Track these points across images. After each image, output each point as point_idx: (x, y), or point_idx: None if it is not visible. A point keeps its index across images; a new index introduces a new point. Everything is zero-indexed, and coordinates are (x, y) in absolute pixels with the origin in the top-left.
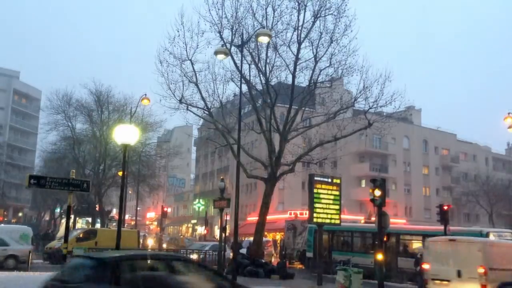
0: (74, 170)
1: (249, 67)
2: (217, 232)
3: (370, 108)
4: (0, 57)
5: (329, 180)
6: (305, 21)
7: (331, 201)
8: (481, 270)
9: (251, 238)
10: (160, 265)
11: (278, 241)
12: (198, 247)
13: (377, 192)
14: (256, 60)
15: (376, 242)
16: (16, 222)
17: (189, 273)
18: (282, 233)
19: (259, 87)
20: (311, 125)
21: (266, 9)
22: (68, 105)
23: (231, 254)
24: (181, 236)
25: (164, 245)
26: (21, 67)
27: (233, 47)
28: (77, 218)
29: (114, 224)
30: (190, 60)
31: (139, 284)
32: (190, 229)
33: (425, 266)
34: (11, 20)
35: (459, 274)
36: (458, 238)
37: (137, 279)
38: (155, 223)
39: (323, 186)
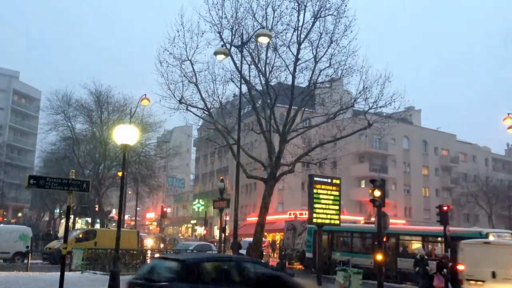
0: (73, 171)
1: (249, 68)
2: (216, 232)
3: (370, 108)
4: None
5: (329, 180)
6: (305, 21)
7: (330, 202)
8: None
9: (250, 239)
10: (231, 265)
11: (278, 242)
12: (182, 247)
13: (377, 193)
14: (256, 61)
15: (376, 243)
16: (16, 222)
17: (256, 272)
18: (282, 234)
19: (259, 87)
20: (310, 126)
21: (266, 9)
22: (68, 105)
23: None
24: (181, 237)
25: (161, 245)
26: (21, 67)
27: (233, 48)
28: (77, 219)
29: (114, 224)
30: (190, 60)
31: (216, 281)
32: (190, 230)
33: (460, 267)
34: (11, 20)
35: (493, 275)
36: (492, 241)
37: (214, 277)
38: (155, 223)
39: (323, 187)
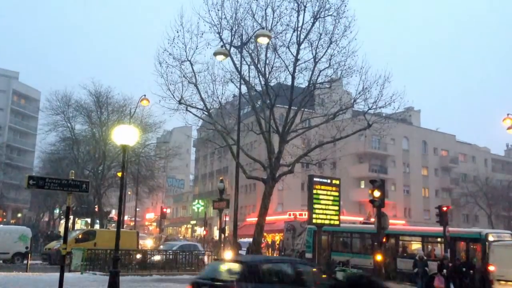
0: (73, 171)
1: (249, 68)
2: (216, 233)
3: (370, 109)
4: None
5: (329, 181)
6: (304, 22)
7: (330, 202)
8: None
9: (248, 239)
10: (286, 267)
11: (277, 242)
12: (167, 247)
13: (376, 193)
14: (256, 61)
15: (375, 243)
16: (15, 223)
17: (308, 273)
18: (281, 234)
19: (259, 88)
20: (310, 126)
21: (265, 10)
22: (68, 106)
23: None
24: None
25: (161, 246)
26: (20, 68)
27: (232, 48)
28: (76, 219)
29: (113, 225)
30: (190, 61)
31: (274, 281)
32: (190, 230)
33: (491, 268)
34: (10, 21)
35: None
36: None
37: (272, 278)
38: (154, 224)
39: (323, 187)
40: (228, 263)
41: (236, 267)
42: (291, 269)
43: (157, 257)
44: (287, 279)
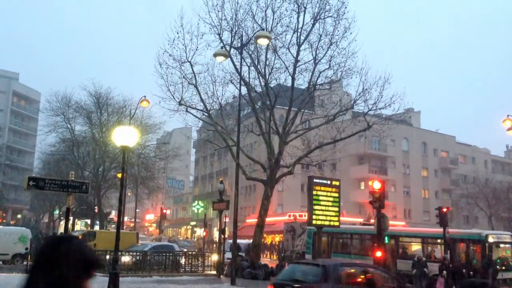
0: (73, 172)
1: (249, 69)
2: (216, 234)
3: (370, 110)
4: None
5: (328, 182)
6: (304, 23)
7: (330, 203)
8: None
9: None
10: (361, 270)
11: (277, 244)
12: (139, 248)
13: (376, 194)
14: (256, 62)
15: (375, 244)
16: (15, 224)
17: (379, 277)
18: (281, 235)
19: (259, 89)
20: (310, 127)
21: (265, 11)
22: (68, 107)
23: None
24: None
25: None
26: (20, 69)
27: (232, 49)
28: (76, 220)
29: (113, 226)
30: (190, 62)
31: (350, 283)
32: (189, 231)
33: None
34: (10, 22)
35: None
36: None
37: (349, 280)
38: (154, 225)
39: (322, 188)
40: (307, 266)
41: (315, 269)
42: (364, 273)
43: (126, 258)
44: (360, 282)
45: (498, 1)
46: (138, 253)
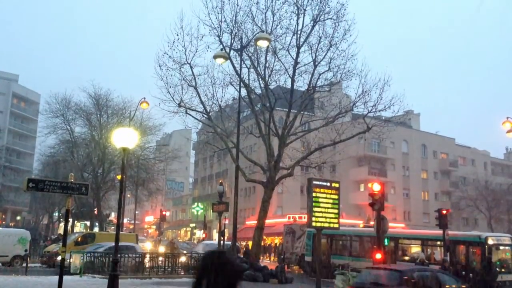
0: (72, 174)
1: (248, 71)
2: (216, 236)
3: (369, 112)
4: None
5: (328, 184)
6: (304, 25)
7: (330, 205)
8: None
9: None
10: (431, 275)
11: (278, 245)
12: (91, 249)
13: (376, 197)
14: (255, 64)
15: (375, 246)
16: (14, 225)
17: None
18: (281, 237)
19: (258, 91)
20: (310, 129)
21: (265, 13)
22: (67, 108)
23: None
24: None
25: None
26: (20, 70)
27: (232, 51)
28: (76, 222)
29: (113, 227)
30: (189, 64)
31: (423, 285)
32: (189, 233)
33: None
34: (10, 23)
35: None
36: None
37: (422, 284)
38: (154, 227)
39: (322, 190)
40: (384, 271)
41: (393, 274)
42: (435, 277)
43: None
44: (432, 286)
45: (497, 2)
46: (89, 255)
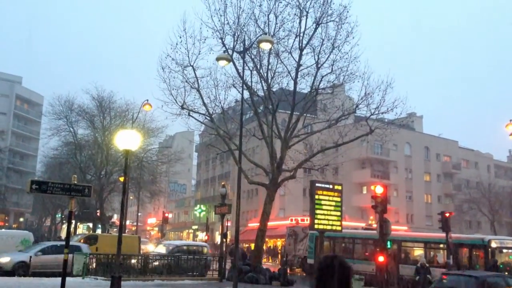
0: (75, 176)
1: (251, 74)
2: (218, 238)
3: (372, 114)
4: (2, 62)
5: (331, 186)
6: (306, 27)
7: (332, 208)
8: None
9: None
10: (501, 280)
11: (279, 248)
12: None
13: (379, 199)
14: (258, 67)
15: (378, 249)
16: (17, 227)
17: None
18: (283, 240)
19: (261, 93)
20: (312, 132)
21: (268, 15)
22: (70, 110)
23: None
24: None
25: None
26: (23, 72)
27: (235, 54)
28: (78, 224)
29: (115, 229)
30: (192, 66)
31: None
32: (191, 235)
33: None
34: (13, 25)
35: None
36: None
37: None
38: (156, 229)
39: (325, 193)
40: (464, 277)
41: (472, 280)
42: (505, 282)
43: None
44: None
45: (499, 2)
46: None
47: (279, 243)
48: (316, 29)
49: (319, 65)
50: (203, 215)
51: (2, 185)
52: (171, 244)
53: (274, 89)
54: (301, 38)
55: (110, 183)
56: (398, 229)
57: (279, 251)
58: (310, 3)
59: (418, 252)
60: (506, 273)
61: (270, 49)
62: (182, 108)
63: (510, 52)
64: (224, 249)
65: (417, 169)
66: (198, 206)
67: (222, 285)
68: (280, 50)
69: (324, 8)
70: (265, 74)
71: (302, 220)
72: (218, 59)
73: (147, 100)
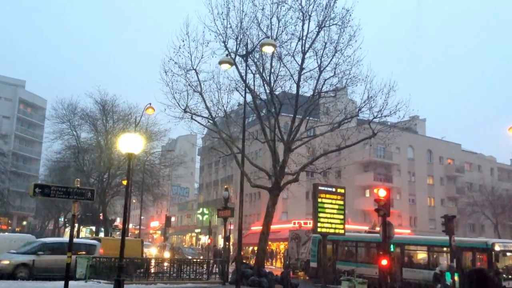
0: (78, 179)
1: (254, 77)
2: (221, 241)
3: (375, 117)
4: (6, 66)
5: (333, 189)
6: (309, 31)
7: (335, 211)
8: None
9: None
10: None
11: (282, 251)
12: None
13: (382, 202)
14: (261, 70)
15: (381, 252)
16: (20, 230)
17: None
18: (286, 243)
19: (264, 96)
20: (315, 135)
21: (271, 19)
22: (73, 114)
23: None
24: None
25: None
26: (26, 76)
27: (237, 57)
28: (81, 227)
29: (118, 233)
30: (195, 69)
31: None
32: (194, 239)
33: None
34: (16, 30)
35: None
36: None
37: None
38: (159, 232)
39: (327, 196)
40: None
41: None
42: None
43: None
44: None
45: (500, 5)
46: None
47: (282, 246)
48: (318, 32)
49: (321, 69)
50: (205, 218)
51: (5, 188)
52: (37, 241)
53: (276, 93)
54: (303, 41)
55: (113, 186)
56: (401, 232)
57: (281, 256)
58: (313, 7)
59: (421, 255)
60: (509, 276)
61: (273, 53)
62: (185, 111)
63: None
64: (225, 252)
65: (420, 172)
66: (201, 209)
67: None
68: (283, 54)
69: (327, 12)
70: (268, 78)
71: (305, 223)
72: (221, 62)
73: (150, 103)
